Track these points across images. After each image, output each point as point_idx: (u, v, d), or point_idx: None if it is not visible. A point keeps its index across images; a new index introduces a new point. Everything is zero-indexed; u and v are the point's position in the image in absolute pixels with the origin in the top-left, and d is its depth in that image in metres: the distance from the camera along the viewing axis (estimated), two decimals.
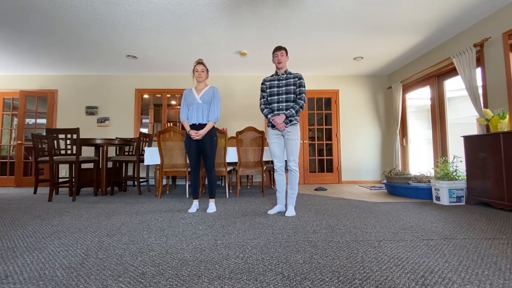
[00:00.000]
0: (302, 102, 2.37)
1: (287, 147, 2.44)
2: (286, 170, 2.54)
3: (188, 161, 3.34)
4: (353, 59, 4.36)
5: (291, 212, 2.36)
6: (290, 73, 2.45)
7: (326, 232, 1.78)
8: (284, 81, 2.42)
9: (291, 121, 2.38)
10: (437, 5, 2.84)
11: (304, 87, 2.40)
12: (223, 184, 4.87)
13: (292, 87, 2.39)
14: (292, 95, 2.39)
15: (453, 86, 4.72)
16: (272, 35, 3.52)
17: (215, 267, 1.22)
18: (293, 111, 2.35)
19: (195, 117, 2.55)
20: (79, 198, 3.38)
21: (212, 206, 2.56)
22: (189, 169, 3.32)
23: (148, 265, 1.24)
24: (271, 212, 2.44)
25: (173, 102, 5.64)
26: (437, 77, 3.90)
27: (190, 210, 2.52)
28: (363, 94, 5.19)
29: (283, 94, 2.40)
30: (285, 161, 2.49)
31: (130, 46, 3.83)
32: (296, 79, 2.40)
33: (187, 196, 3.47)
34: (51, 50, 3.92)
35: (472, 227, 1.87)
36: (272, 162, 3.59)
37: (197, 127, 2.54)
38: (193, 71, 2.60)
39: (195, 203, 2.61)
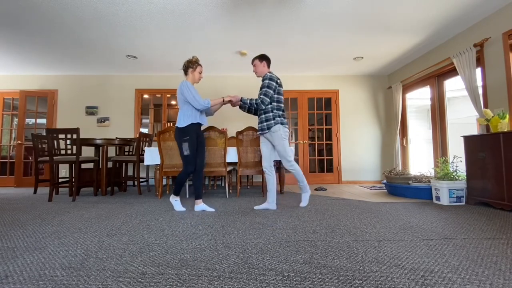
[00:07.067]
0: (259, 100, 2.52)
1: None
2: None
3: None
4: (353, 59, 4.36)
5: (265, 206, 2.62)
6: (262, 78, 2.64)
7: (326, 232, 1.78)
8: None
9: (268, 128, 2.54)
10: (437, 5, 2.84)
11: (267, 86, 2.51)
12: (223, 184, 4.87)
13: (259, 90, 2.60)
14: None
15: (453, 86, 4.71)
16: (272, 35, 3.52)
17: (215, 267, 1.22)
18: (247, 100, 2.58)
19: (199, 116, 2.53)
20: (79, 198, 3.38)
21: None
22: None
23: (148, 265, 1.24)
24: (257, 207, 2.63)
25: (173, 102, 5.64)
26: (437, 77, 3.90)
27: (208, 209, 2.53)
28: (363, 94, 5.19)
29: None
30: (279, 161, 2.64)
31: (130, 46, 3.83)
32: (261, 81, 2.60)
33: (187, 196, 3.47)
34: (51, 50, 3.92)
35: (472, 227, 1.87)
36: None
37: (199, 126, 2.55)
38: (195, 69, 2.52)
39: (203, 203, 2.59)
